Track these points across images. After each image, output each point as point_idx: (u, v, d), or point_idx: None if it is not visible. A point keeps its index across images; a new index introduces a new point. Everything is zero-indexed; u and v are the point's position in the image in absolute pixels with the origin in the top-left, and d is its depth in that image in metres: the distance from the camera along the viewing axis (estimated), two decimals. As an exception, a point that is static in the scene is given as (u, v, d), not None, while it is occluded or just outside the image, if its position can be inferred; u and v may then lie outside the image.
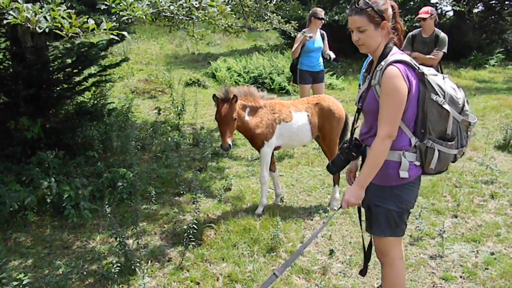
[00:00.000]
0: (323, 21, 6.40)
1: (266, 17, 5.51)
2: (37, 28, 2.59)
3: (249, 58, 11.03)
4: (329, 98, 4.68)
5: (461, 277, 3.53)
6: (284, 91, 9.68)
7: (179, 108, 7.78)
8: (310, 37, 6.19)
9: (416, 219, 4.25)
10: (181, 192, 5.05)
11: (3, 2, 2.43)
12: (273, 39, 16.23)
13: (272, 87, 9.78)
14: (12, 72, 5.47)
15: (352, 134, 2.69)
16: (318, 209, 4.67)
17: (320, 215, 4.58)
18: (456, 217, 4.49)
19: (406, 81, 2.30)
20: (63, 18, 2.54)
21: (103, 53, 6.31)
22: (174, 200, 4.90)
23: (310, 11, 6.44)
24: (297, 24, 6.00)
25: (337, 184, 4.76)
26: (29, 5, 2.56)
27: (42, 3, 2.55)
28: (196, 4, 3.49)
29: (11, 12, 2.51)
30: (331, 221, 4.44)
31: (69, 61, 6.11)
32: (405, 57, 2.38)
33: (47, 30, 2.49)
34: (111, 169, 5.19)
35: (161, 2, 3.23)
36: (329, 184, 5.32)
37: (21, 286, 2.95)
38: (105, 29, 2.49)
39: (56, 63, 5.91)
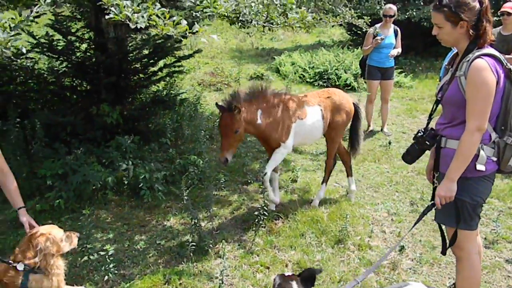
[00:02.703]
0: (392, 18, 6.32)
1: (339, 11, 5.47)
2: (131, 24, 2.75)
3: (314, 53, 10.99)
4: (339, 92, 4.56)
5: (540, 283, 3.39)
6: (349, 88, 9.58)
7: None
8: (382, 39, 6.16)
9: (494, 222, 4.11)
10: (249, 181, 5.19)
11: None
12: (337, 35, 16.02)
13: (338, 83, 9.69)
14: (95, 61, 5.82)
15: (428, 124, 2.70)
16: (386, 206, 4.64)
17: (388, 211, 4.54)
18: (534, 223, 4.29)
19: (494, 73, 2.29)
20: (158, 17, 2.69)
21: (177, 45, 6.58)
22: (242, 188, 5.05)
23: (383, 8, 6.37)
24: (370, 20, 5.93)
25: (351, 175, 4.74)
26: (128, 3, 2.73)
27: (138, 1, 2.70)
28: (279, 11, 3.56)
29: (112, 9, 2.68)
30: (400, 218, 4.40)
31: (146, 52, 6.42)
32: (493, 51, 2.36)
33: (143, 26, 2.64)
34: (183, 156, 5.43)
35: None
36: (397, 181, 5.25)
37: (106, 256, 3.18)
38: (196, 31, 2.61)
39: (134, 53, 6.23)
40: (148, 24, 2.62)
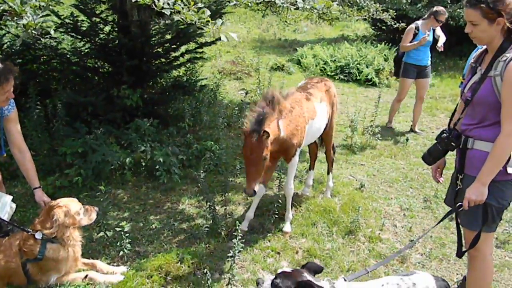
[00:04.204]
0: (440, 24, 6.18)
1: (364, 5, 5.43)
2: (156, 8, 2.78)
3: (336, 47, 10.93)
4: (332, 84, 4.33)
5: (551, 285, 3.37)
6: (370, 83, 9.53)
7: (264, 91, 7.96)
8: (425, 39, 6.06)
9: (507, 222, 4.09)
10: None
11: None
12: (361, 29, 15.88)
13: (358, 78, 9.65)
14: (117, 44, 5.88)
15: (454, 124, 2.66)
16: (399, 201, 4.64)
17: (401, 206, 4.54)
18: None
19: None
20: (183, 3, 2.72)
21: (199, 31, 6.61)
22: (257, 176, 5.09)
23: (434, 8, 6.18)
24: (395, 14, 5.85)
25: (331, 172, 4.64)
26: None
27: None
28: None
29: None
30: (412, 214, 4.40)
31: (168, 36, 6.47)
32: None
33: (168, 13, 2.67)
34: (200, 141, 5.49)
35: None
36: (412, 178, 5.24)
37: (122, 233, 3.27)
38: (221, 23, 2.63)
39: (156, 37, 6.28)
40: (172, 10, 2.66)
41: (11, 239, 3.00)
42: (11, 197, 3.12)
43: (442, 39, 6.47)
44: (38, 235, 2.91)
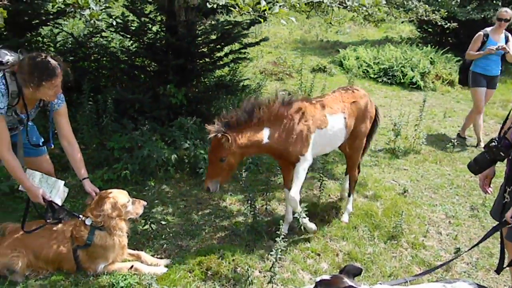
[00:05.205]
0: (507, 23, 5.82)
1: (412, 6, 5.30)
2: (208, 4, 2.84)
3: (380, 49, 10.74)
4: (365, 95, 4.00)
5: None
6: (415, 86, 9.32)
7: (306, 93, 7.95)
8: (498, 49, 5.70)
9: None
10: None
11: None
12: (406, 31, 15.53)
13: (403, 81, 9.45)
14: (165, 43, 6.04)
15: (505, 133, 2.57)
16: (444, 208, 4.52)
17: (446, 214, 4.42)
18: None
19: None
20: None
21: (244, 32, 6.69)
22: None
23: (498, 11, 5.92)
24: (446, 13, 5.64)
25: (352, 194, 4.22)
26: None
27: None
28: None
29: None
30: (458, 221, 4.28)
31: (213, 36, 6.57)
32: None
33: (223, 2, 2.71)
34: (242, 140, 5.53)
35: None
36: (458, 185, 5.09)
37: (165, 226, 3.35)
38: (276, 12, 2.64)
39: (202, 37, 6.40)
40: (227, 2, 2.68)
41: (64, 226, 3.15)
42: (63, 182, 3.28)
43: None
44: (88, 221, 3.06)
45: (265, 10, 2.60)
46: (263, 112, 3.36)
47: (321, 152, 3.96)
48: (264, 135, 3.38)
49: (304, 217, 3.52)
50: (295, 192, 3.48)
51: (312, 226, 3.72)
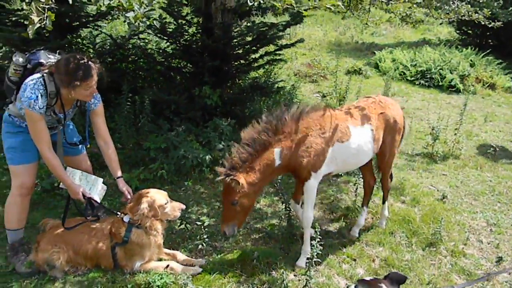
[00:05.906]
0: None
1: (452, 6, 5.14)
2: (249, 1, 2.84)
3: (417, 51, 10.51)
4: (393, 105, 3.68)
5: None
6: (453, 89, 9.06)
7: (341, 95, 7.85)
8: None
9: None
10: (339, 174, 5.15)
11: None
12: (444, 33, 15.14)
13: (441, 83, 9.20)
14: (201, 45, 6.09)
15: None
16: (485, 215, 4.36)
17: (487, 221, 4.27)
18: None
19: None
20: None
21: (280, 33, 6.67)
22: (332, 179, 5.03)
23: None
24: (490, 12, 5.44)
25: (386, 201, 3.96)
26: None
27: None
28: None
29: None
30: (500, 229, 4.12)
31: (248, 38, 6.59)
32: None
33: None
34: (276, 143, 5.51)
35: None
36: (500, 191, 4.90)
37: (202, 226, 3.37)
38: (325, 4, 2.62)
39: (238, 39, 6.42)
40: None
41: (103, 223, 3.22)
42: (102, 179, 3.35)
43: None
44: (126, 218, 3.12)
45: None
46: (266, 135, 3.10)
47: (345, 169, 3.65)
48: (276, 156, 3.12)
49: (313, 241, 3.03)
50: (309, 212, 3.32)
51: (307, 248, 3.38)
